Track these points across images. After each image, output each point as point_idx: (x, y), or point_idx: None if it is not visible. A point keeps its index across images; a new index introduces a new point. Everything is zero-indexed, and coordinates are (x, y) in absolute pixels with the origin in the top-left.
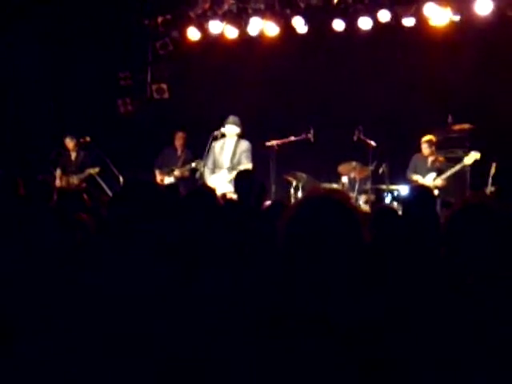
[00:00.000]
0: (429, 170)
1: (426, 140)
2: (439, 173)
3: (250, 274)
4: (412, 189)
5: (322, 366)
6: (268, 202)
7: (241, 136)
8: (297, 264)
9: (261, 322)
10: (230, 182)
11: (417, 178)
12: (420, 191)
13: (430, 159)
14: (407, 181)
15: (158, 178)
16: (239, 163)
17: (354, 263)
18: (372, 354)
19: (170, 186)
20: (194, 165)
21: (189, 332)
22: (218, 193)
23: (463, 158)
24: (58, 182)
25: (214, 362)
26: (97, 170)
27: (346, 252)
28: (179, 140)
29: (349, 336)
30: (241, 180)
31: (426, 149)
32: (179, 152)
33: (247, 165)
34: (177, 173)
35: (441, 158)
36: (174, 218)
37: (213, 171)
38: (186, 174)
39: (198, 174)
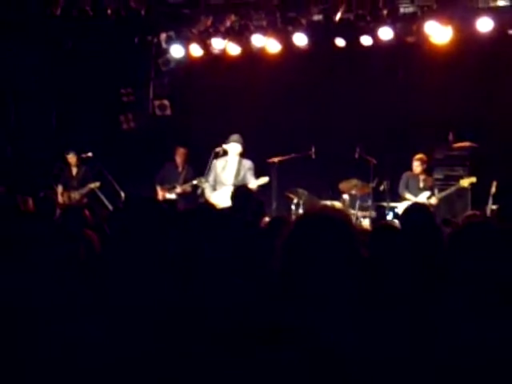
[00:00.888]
0: (421, 189)
1: (418, 158)
2: (432, 192)
3: (245, 288)
4: (410, 207)
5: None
6: (267, 219)
7: (242, 154)
8: (294, 280)
9: (254, 336)
10: None
11: (409, 196)
12: (417, 209)
13: (421, 178)
14: (399, 197)
15: (160, 194)
16: (244, 181)
17: (351, 279)
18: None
19: (168, 200)
20: (195, 182)
21: (183, 342)
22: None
23: (463, 176)
24: (59, 198)
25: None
26: (97, 184)
27: (343, 269)
28: (180, 156)
29: (343, 356)
30: (237, 195)
31: (417, 167)
32: (180, 168)
33: (253, 181)
34: (178, 190)
35: (430, 178)
36: (173, 233)
37: (214, 188)
38: (188, 190)
39: (199, 191)
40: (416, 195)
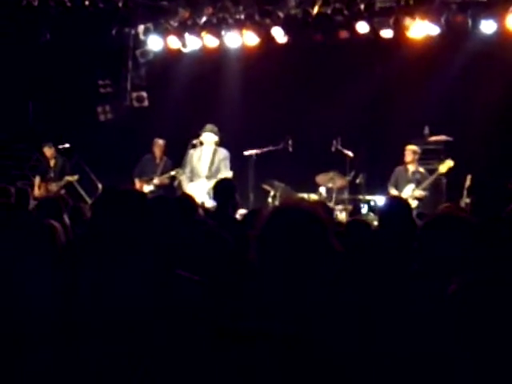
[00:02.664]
0: (408, 182)
1: (411, 149)
2: (418, 184)
3: (226, 281)
4: (388, 200)
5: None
6: (243, 211)
7: (218, 144)
8: (268, 273)
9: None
10: (209, 191)
11: (394, 192)
12: (395, 202)
13: (411, 169)
14: (387, 194)
15: (138, 186)
16: (218, 172)
17: (325, 271)
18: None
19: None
20: (173, 173)
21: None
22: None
23: (438, 168)
24: (36, 190)
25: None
26: (76, 177)
27: (317, 260)
28: (158, 148)
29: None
30: (220, 189)
31: (408, 156)
32: (158, 160)
33: (226, 173)
34: (156, 181)
35: (421, 170)
36: (151, 224)
37: (191, 179)
38: (166, 182)
39: (176, 183)
40: (403, 188)
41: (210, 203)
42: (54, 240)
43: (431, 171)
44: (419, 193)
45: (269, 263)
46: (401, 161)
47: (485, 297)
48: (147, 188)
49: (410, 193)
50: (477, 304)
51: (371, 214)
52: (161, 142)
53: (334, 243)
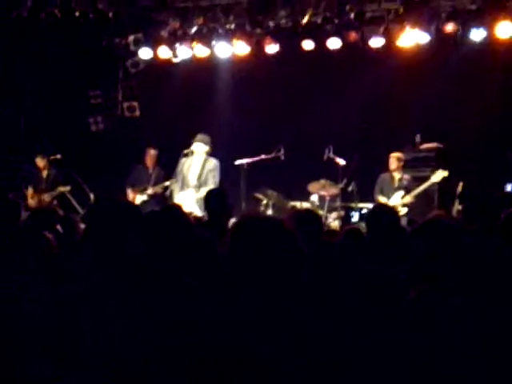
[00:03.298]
0: (396, 189)
1: (395, 156)
2: (406, 191)
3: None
4: (374, 208)
5: None
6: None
7: (210, 154)
8: (242, 283)
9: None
10: (197, 201)
11: (383, 199)
12: (381, 210)
13: (397, 177)
14: (374, 202)
15: (131, 196)
16: (206, 183)
17: (297, 275)
18: None
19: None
20: (167, 183)
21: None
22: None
23: (430, 176)
24: (29, 200)
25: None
26: (68, 188)
27: (287, 265)
28: (150, 158)
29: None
30: (213, 199)
31: (393, 163)
32: (151, 170)
33: (212, 185)
34: (150, 191)
35: (406, 176)
36: (143, 235)
37: (182, 188)
38: (159, 191)
39: (168, 192)
40: (390, 196)
41: (199, 213)
42: (47, 251)
43: (423, 178)
44: (408, 199)
45: (241, 275)
46: (385, 168)
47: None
48: (140, 198)
49: (399, 200)
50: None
51: (362, 223)
52: (153, 151)
53: (302, 248)
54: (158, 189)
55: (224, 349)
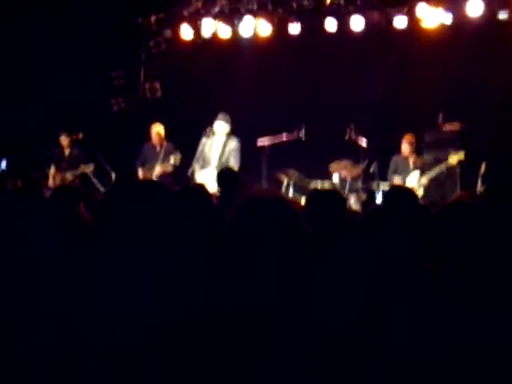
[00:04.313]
0: (412, 170)
1: (407, 140)
2: (422, 172)
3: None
4: (391, 190)
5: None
6: None
7: (231, 133)
8: (243, 260)
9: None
10: None
11: (398, 179)
12: (399, 192)
13: (411, 159)
14: (390, 183)
15: (141, 175)
16: (227, 162)
17: (294, 255)
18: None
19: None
20: (172, 161)
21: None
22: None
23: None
24: (51, 179)
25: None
26: (90, 167)
27: (286, 245)
28: (155, 134)
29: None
30: (224, 178)
31: (407, 148)
32: (158, 147)
33: (233, 165)
34: (158, 169)
35: (419, 158)
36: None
37: (203, 168)
38: (169, 169)
39: (189, 172)
40: (406, 177)
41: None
42: (74, 227)
43: (444, 160)
44: (424, 181)
45: (242, 252)
46: (399, 149)
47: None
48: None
49: (416, 181)
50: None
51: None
52: (157, 128)
53: (305, 229)
54: (167, 166)
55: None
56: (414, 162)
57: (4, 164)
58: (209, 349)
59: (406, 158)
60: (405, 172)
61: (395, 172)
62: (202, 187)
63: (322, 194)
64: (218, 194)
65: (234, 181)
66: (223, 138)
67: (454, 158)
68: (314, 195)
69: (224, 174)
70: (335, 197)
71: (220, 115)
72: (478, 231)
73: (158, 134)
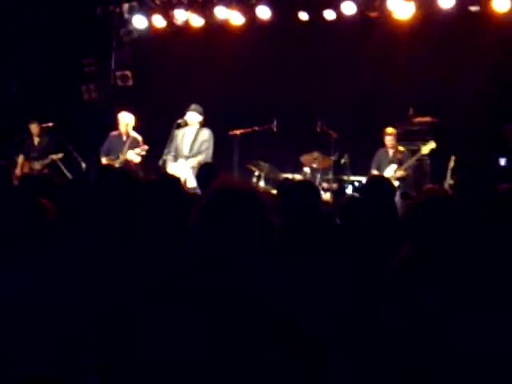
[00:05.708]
0: (390, 162)
1: (391, 132)
2: (400, 164)
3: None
4: (370, 179)
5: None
6: None
7: (203, 125)
8: (210, 252)
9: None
10: (192, 168)
11: (376, 172)
12: (377, 182)
13: (391, 151)
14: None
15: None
16: (199, 152)
17: (264, 247)
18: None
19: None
20: (136, 151)
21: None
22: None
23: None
24: (18, 168)
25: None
26: (60, 155)
27: (256, 237)
28: (122, 123)
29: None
30: (204, 173)
31: (390, 141)
32: (124, 137)
33: (204, 155)
34: (122, 158)
35: (401, 149)
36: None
37: (175, 159)
38: (135, 160)
39: (161, 162)
40: (385, 169)
41: (193, 181)
42: (43, 217)
43: (415, 152)
44: (401, 173)
45: (210, 244)
46: (379, 142)
47: None
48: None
49: (392, 173)
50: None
51: (356, 195)
52: (125, 117)
53: (273, 220)
54: (132, 157)
55: None
56: (394, 155)
57: None
58: None
59: (387, 151)
60: (384, 164)
61: (377, 167)
62: (174, 177)
63: (295, 185)
64: (193, 184)
65: (212, 177)
66: (195, 128)
67: (426, 148)
68: (287, 186)
69: (204, 170)
70: (309, 187)
71: (192, 106)
72: (455, 225)
73: (126, 125)
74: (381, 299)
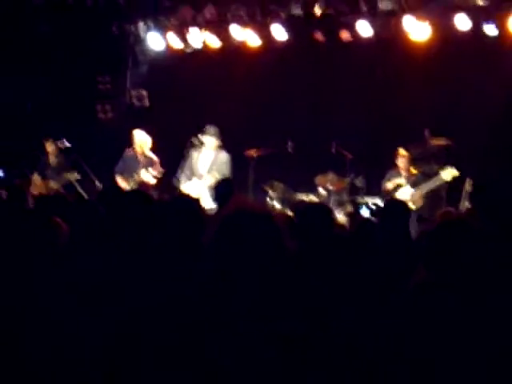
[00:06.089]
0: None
1: (404, 154)
2: (414, 186)
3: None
4: (388, 203)
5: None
6: None
7: (220, 147)
8: (224, 275)
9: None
10: (209, 188)
11: (390, 185)
12: (395, 206)
13: (404, 173)
14: (383, 192)
15: (122, 184)
16: (217, 175)
17: (277, 272)
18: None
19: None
20: (154, 172)
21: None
22: None
23: (439, 172)
24: (33, 187)
25: None
26: (75, 175)
27: (269, 262)
28: (136, 142)
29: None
30: (220, 189)
31: (403, 163)
32: (139, 156)
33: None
34: (136, 178)
35: (414, 171)
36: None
37: (190, 178)
38: (151, 181)
39: (174, 181)
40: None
41: (206, 202)
42: (56, 236)
43: (431, 175)
44: (417, 197)
45: (224, 267)
46: (393, 164)
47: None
48: (128, 187)
49: (408, 196)
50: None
51: (371, 217)
52: (140, 135)
53: (287, 245)
54: (147, 177)
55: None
56: (407, 178)
57: (1, 173)
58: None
59: (400, 173)
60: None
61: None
62: (190, 197)
63: (309, 208)
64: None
65: (231, 191)
66: (213, 151)
67: (449, 175)
68: (301, 208)
69: (222, 185)
70: (323, 210)
71: (210, 130)
72: (477, 251)
73: (141, 145)
74: (397, 323)
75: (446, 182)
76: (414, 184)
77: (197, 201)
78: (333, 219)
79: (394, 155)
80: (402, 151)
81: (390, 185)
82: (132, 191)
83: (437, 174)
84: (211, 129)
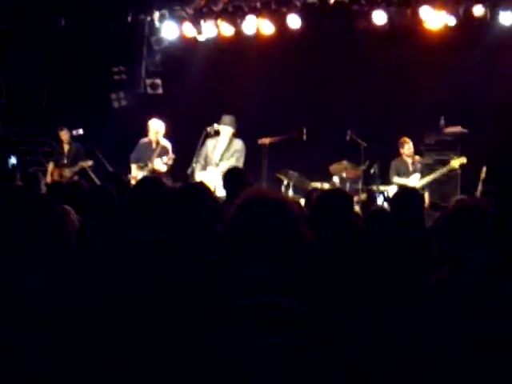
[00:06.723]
0: (412, 172)
1: (406, 141)
2: (422, 174)
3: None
4: (400, 191)
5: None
6: None
7: (235, 134)
8: (237, 262)
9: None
10: (219, 178)
11: (399, 180)
12: (408, 193)
13: (410, 161)
14: (392, 185)
15: (134, 172)
16: (230, 163)
17: (291, 262)
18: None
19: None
20: (165, 160)
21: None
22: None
23: (449, 161)
24: (48, 176)
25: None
26: (89, 163)
27: (284, 251)
28: (152, 130)
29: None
30: (230, 177)
31: (409, 149)
32: (154, 144)
33: (235, 164)
34: (151, 166)
35: (417, 158)
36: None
37: (204, 168)
38: (163, 169)
39: (189, 170)
40: (408, 177)
41: (221, 191)
42: (66, 224)
43: (445, 162)
44: (425, 183)
45: (238, 254)
46: (398, 153)
47: None
48: (142, 174)
49: (417, 183)
50: None
51: (385, 204)
52: (155, 124)
53: (304, 233)
54: (161, 165)
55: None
56: (414, 164)
57: (14, 160)
58: None
59: (405, 161)
60: (405, 175)
61: (397, 174)
62: (202, 185)
63: (330, 194)
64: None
65: (241, 180)
66: (227, 139)
67: (457, 162)
68: (322, 195)
69: (232, 173)
70: (344, 197)
71: (226, 119)
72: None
73: (156, 132)
74: (419, 317)
75: (453, 170)
76: (422, 172)
77: (208, 189)
78: (352, 206)
79: (397, 144)
80: (405, 139)
81: (398, 180)
82: (145, 177)
83: (444, 164)
84: (227, 118)
